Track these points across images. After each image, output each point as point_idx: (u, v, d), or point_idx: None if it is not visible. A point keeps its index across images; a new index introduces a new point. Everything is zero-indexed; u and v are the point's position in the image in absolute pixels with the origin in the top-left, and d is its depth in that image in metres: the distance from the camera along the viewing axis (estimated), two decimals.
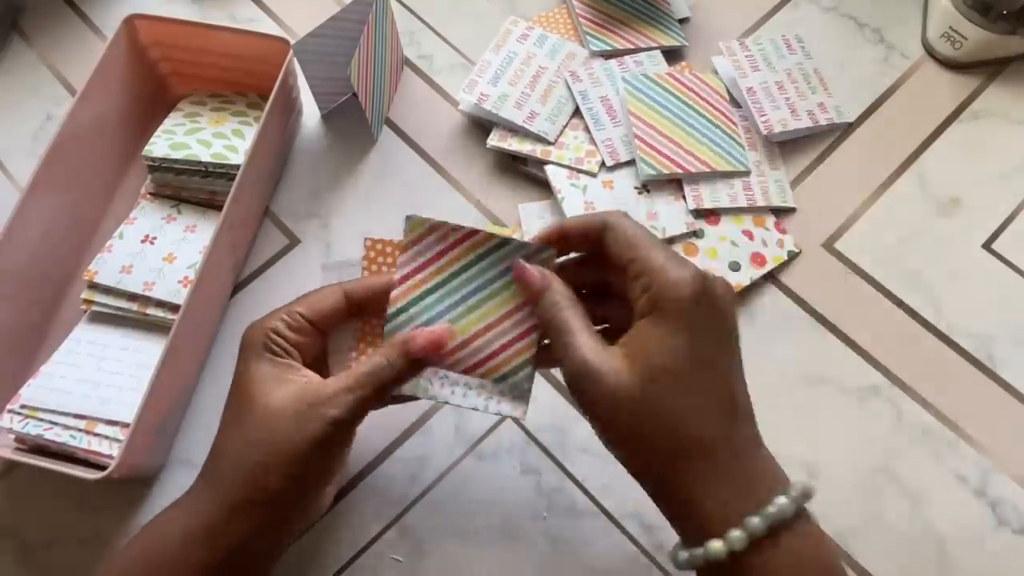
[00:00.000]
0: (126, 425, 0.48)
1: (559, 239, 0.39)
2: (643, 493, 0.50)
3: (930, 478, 0.50)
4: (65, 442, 0.47)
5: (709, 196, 0.57)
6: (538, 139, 0.58)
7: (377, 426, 0.52)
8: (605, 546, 0.48)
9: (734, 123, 0.60)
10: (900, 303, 0.55)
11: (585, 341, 0.36)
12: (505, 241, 0.40)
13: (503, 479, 0.50)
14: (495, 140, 0.59)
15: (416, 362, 0.39)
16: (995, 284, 0.55)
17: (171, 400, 0.49)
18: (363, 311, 0.42)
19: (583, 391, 0.35)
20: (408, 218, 0.41)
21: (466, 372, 0.41)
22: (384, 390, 0.38)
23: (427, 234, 0.41)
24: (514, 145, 0.58)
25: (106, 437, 0.48)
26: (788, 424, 0.52)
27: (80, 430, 0.48)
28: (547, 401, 0.52)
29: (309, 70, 0.58)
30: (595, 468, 0.50)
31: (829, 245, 0.57)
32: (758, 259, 0.55)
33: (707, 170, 0.57)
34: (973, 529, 0.49)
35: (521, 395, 0.40)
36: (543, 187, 0.59)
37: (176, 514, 0.39)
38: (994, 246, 0.57)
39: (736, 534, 0.32)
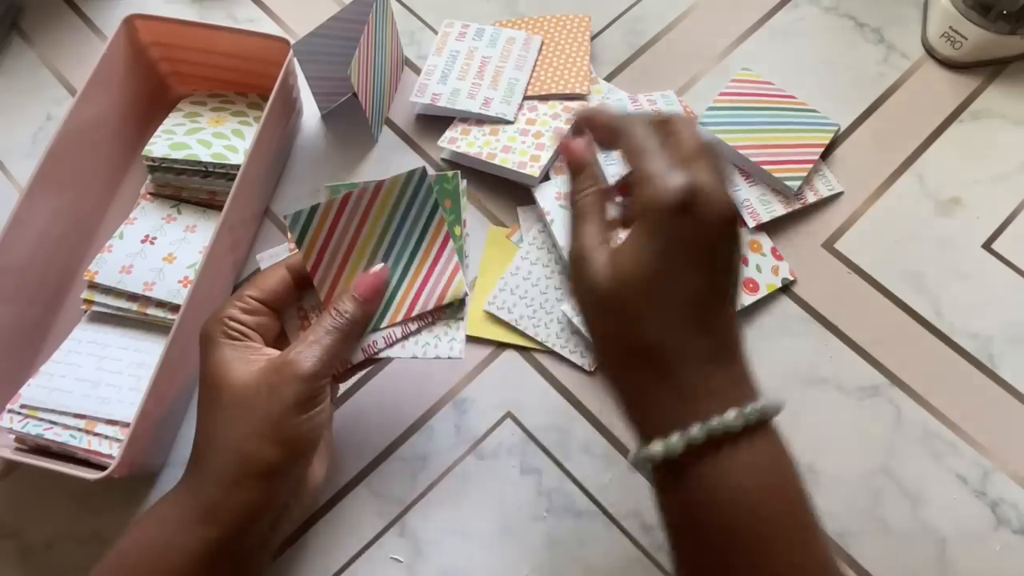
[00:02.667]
0: (126, 425, 0.48)
1: (585, 128, 0.41)
2: (643, 493, 0.50)
3: (930, 478, 0.50)
4: (65, 442, 0.47)
5: (764, 210, 0.56)
6: (497, 121, 0.59)
7: (377, 426, 0.52)
8: (605, 546, 0.48)
9: (793, 97, 0.60)
10: (900, 303, 0.55)
11: (590, 230, 0.37)
12: (410, 176, 0.43)
13: (503, 479, 0.50)
14: (445, 143, 0.59)
15: (366, 304, 0.42)
16: (995, 284, 0.55)
17: (171, 400, 0.49)
18: (306, 283, 0.44)
19: (573, 274, 0.37)
20: (327, 188, 0.44)
21: (404, 319, 0.44)
22: (346, 338, 0.41)
23: (346, 201, 0.43)
24: (463, 147, 0.58)
25: (106, 437, 0.48)
26: (788, 424, 0.51)
27: (80, 430, 0.48)
28: (547, 401, 0.52)
29: (309, 70, 0.58)
30: (595, 468, 0.50)
31: (829, 245, 0.57)
32: (751, 285, 0.55)
33: (819, 150, 0.58)
34: (973, 529, 0.49)
35: (455, 335, 0.45)
36: None
37: (170, 502, 0.39)
38: (994, 246, 0.57)
39: (675, 439, 0.33)
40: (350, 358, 0.44)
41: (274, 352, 0.41)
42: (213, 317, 0.41)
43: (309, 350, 0.39)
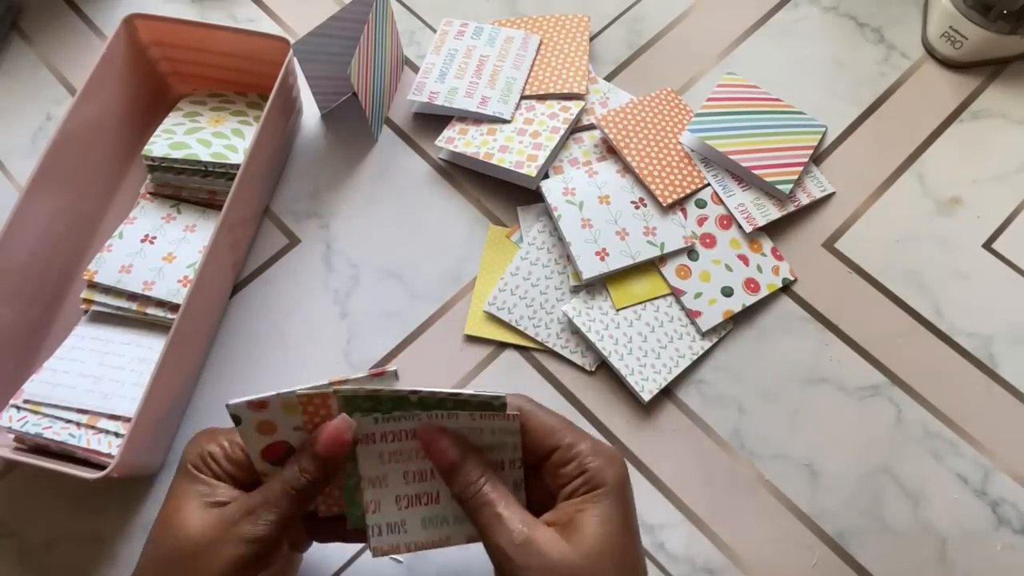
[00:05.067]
0: (128, 420, 0.48)
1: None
2: (643, 492, 0.50)
3: (930, 478, 0.50)
4: (64, 440, 0.47)
5: (760, 214, 0.56)
6: (494, 120, 0.59)
7: None
8: None
9: (780, 100, 0.61)
10: (900, 303, 0.55)
11: (518, 513, 0.36)
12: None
13: None
14: (442, 142, 0.59)
15: (328, 462, 0.37)
16: (995, 284, 0.55)
17: (171, 399, 0.49)
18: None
19: (526, 566, 0.34)
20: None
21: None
22: (303, 499, 0.37)
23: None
24: (460, 147, 0.58)
25: (107, 432, 0.48)
26: (788, 424, 0.52)
27: (82, 425, 0.48)
28: (547, 401, 0.52)
29: (309, 70, 0.58)
30: None
31: (829, 245, 0.57)
32: (751, 285, 0.55)
33: (809, 152, 0.58)
34: (973, 529, 0.49)
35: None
36: None
37: None
38: (994, 246, 0.57)
39: None
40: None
41: (240, 496, 0.37)
42: (197, 445, 0.38)
43: (262, 513, 0.35)
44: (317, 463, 0.37)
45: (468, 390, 0.37)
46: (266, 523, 0.35)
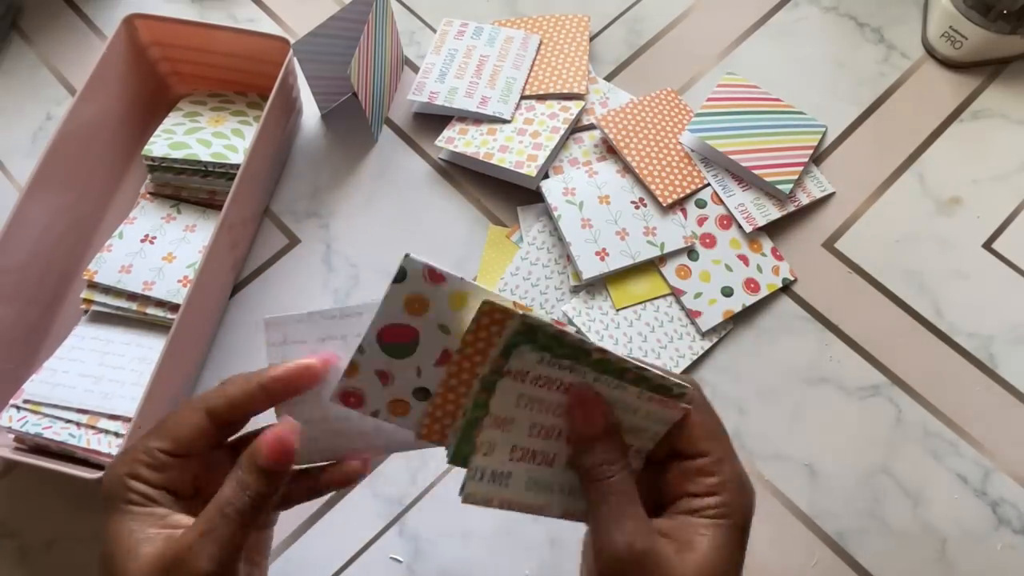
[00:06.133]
0: (128, 419, 0.48)
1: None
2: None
3: (930, 478, 0.50)
4: (64, 440, 0.47)
5: (760, 214, 0.56)
6: (494, 120, 0.59)
7: None
8: None
9: (780, 100, 0.61)
10: (900, 303, 0.55)
11: (643, 516, 0.33)
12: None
13: None
14: (443, 142, 0.59)
15: (273, 476, 0.33)
16: (995, 284, 0.55)
17: (170, 399, 0.49)
18: (230, 425, 0.35)
19: (642, 573, 0.32)
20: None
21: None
22: (251, 519, 0.33)
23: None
24: (460, 147, 0.58)
25: (107, 432, 0.48)
26: (788, 424, 0.52)
27: (82, 425, 0.48)
28: None
29: (309, 70, 0.58)
30: None
31: (829, 245, 0.57)
32: (751, 285, 0.55)
33: (809, 152, 0.58)
34: (973, 529, 0.49)
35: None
36: None
37: None
38: (994, 246, 0.57)
39: None
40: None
41: (180, 521, 0.34)
42: (115, 472, 0.34)
43: (206, 545, 0.32)
44: (262, 477, 0.33)
45: (659, 367, 0.34)
46: (214, 557, 0.31)
